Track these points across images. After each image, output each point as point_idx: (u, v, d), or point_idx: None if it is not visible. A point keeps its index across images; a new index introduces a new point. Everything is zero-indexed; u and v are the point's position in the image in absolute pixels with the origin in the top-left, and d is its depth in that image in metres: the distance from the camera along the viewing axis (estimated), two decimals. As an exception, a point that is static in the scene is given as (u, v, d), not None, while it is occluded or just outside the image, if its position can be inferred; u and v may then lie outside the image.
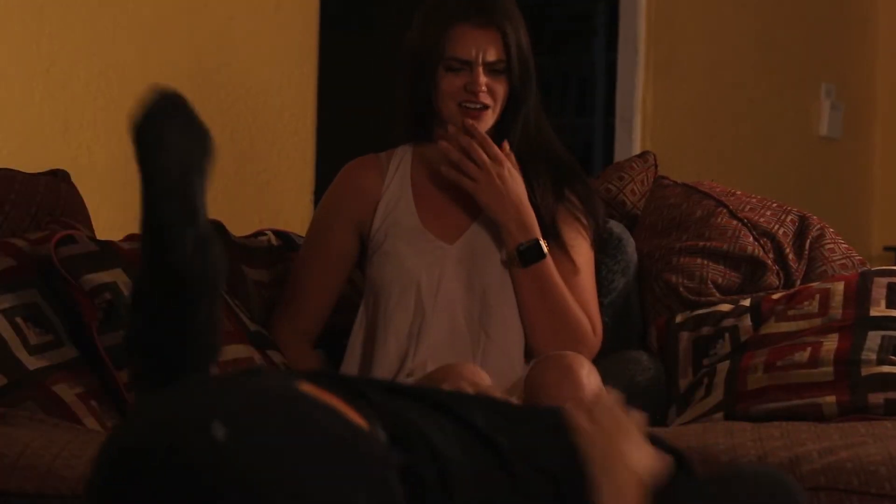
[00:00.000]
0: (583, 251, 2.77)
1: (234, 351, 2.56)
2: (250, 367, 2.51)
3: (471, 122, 2.69)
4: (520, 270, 2.69)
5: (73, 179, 2.81)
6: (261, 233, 2.97)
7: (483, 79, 2.68)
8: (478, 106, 2.69)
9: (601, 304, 2.83)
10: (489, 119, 2.71)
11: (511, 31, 2.70)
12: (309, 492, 1.51)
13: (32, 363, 2.41)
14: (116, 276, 2.51)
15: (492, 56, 2.69)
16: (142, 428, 1.58)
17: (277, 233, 2.97)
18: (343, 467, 1.55)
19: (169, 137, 1.82)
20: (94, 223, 2.78)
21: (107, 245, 2.57)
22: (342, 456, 1.55)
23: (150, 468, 1.52)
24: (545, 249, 2.69)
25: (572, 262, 2.74)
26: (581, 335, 2.71)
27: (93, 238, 2.61)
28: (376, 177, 2.79)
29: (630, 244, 2.99)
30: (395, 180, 2.78)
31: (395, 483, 1.58)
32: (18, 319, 2.44)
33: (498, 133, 2.73)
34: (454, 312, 2.69)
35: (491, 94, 2.70)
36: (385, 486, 1.57)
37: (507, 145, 2.72)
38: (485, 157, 2.68)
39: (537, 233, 2.69)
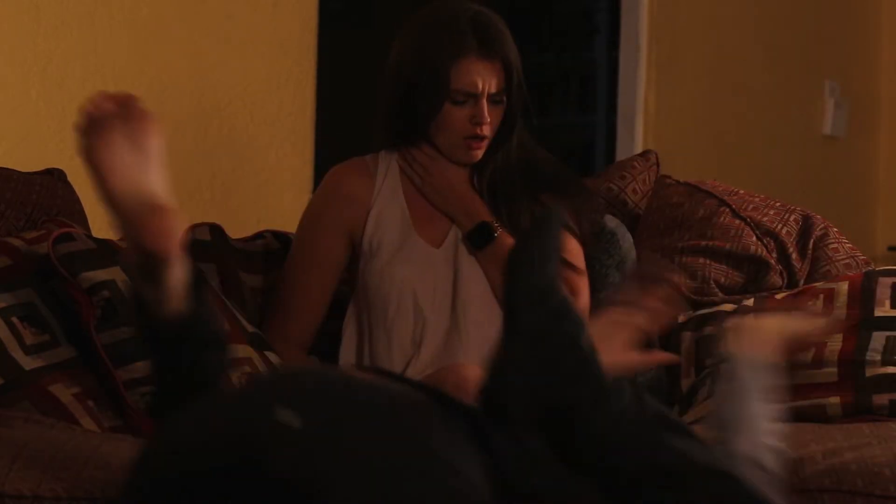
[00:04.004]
0: (576, 252, 2.79)
1: (233, 351, 2.55)
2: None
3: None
4: (480, 254, 2.71)
5: (70, 178, 2.80)
6: (259, 235, 2.96)
7: (488, 111, 2.70)
8: (481, 137, 2.71)
9: (597, 300, 2.82)
10: (485, 146, 2.74)
11: (513, 60, 2.71)
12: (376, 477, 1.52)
13: (29, 363, 2.40)
14: (115, 274, 2.50)
15: (495, 87, 2.70)
16: (206, 422, 1.58)
17: (276, 235, 2.96)
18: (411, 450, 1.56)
19: None
20: (90, 222, 2.77)
21: (105, 243, 2.57)
22: (413, 443, 1.55)
23: (222, 462, 1.51)
24: (496, 230, 2.71)
25: (572, 267, 2.75)
26: None
27: (91, 236, 2.60)
28: (367, 183, 2.79)
29: (626, 239, 2.98)
30: (386, 186, 2.78)
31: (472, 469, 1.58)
32: (14, 319, 2.43)
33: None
34: (451, 314, 2.70)
35: (491, 125, 2.72)
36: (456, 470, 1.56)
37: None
38: (421, 157, 2.75)
39: (485, 216, 2.72)
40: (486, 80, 2.69)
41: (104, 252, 2.53)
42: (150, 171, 1.91)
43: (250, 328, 2.65)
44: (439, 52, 2.69)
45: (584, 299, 2.74)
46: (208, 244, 2.82)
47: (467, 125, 2.70)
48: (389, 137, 2.79)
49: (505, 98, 2.72)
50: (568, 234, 2.78)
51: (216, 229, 2.85)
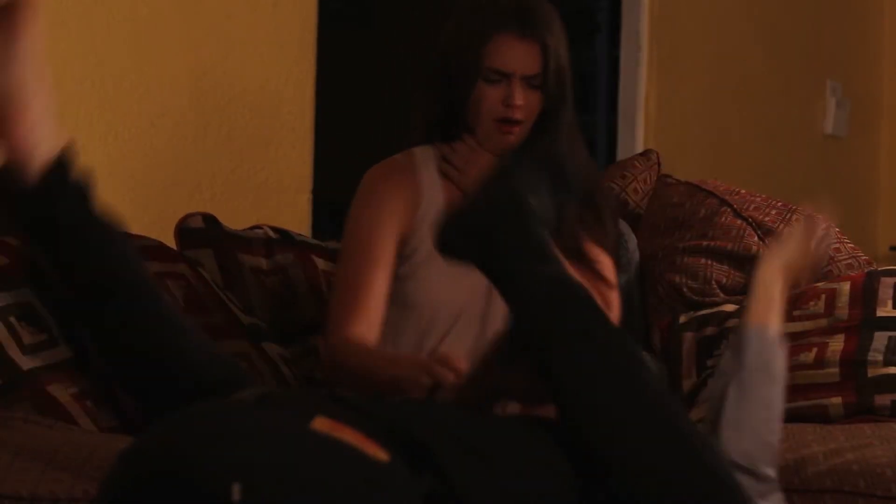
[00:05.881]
0: (608, 265, 2.68)
1: (228, 346, 2.54)
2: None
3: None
4: None
5: (68, 178, 2.78)
6: (257, 227, 2.96)
7: (520, 93, 2.61)
8: (513, 120, 2.62)
9: None
10: (521, 133, 2.64)
11: (552, 44, 2.62)
12: None
13: (26, 363, 2.39)
14: (113, 274, 2.49)
15: (530, 70, 2.61)
16: (155, 463, 1.57)
17: (274, 229, 2.96)
18: None
19: None
20: (88, 222, 2.76)
21: (104, 243, 2.56)
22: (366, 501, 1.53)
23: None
24: None
25: (604, 280, 2.64)
26: None
27: (89, 236, 2.59)
28: (413, 180, 2.68)
29: (631, 241, 2.98)
30: (428, 183, 2.68)
31: None
32: (12, 319, 2.42)
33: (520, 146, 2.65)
34: (480, 321, 2.62)
35: (526, 109, 2.62)
36: None
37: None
38: (463, 148, 2.65)
39: None
40: (520, 60, 2.60)
41: (103, 252, 2.52)
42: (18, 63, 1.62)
43: (247, 319, 2.63)
44: (477, 28, 2.62)
45: (615, 313, 2.62)
46: (202, 231, 2.80)
47: (499, 106, 2.61)
48: (428, 129, 2.69)
49: (542, 84, 2.62)
50: (600, 248, 2.67)
51: (209, 218, 2.83)
